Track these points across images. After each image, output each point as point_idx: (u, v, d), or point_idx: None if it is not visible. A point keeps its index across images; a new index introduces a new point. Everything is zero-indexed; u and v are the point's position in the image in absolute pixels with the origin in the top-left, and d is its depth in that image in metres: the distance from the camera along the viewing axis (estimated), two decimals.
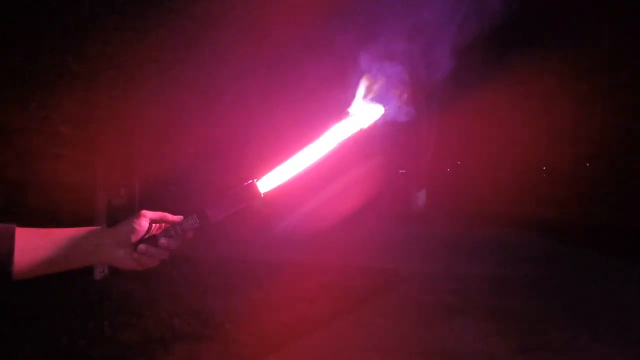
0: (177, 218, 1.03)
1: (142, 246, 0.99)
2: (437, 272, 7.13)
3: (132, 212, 1.06)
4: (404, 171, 16.63)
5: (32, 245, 0.94)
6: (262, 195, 1.03)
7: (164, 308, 4.99)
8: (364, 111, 1.10)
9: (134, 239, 0.99)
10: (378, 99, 1.11)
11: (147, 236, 1.00)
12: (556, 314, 5.33)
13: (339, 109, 1.12)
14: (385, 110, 1.11)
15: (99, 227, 1.02)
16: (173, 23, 5.46)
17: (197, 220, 1.01)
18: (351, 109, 1.10)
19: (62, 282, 5.42)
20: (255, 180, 1.02)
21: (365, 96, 1.11)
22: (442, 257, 8.29)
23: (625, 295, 6.21)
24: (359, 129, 1.10)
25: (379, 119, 1.12)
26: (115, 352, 4.03)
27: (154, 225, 1.02)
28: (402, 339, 4.49)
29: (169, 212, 1.05)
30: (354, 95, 1.13)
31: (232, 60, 5.67)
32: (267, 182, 1.05)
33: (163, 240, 1.00)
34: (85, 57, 5.30)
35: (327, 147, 1.08)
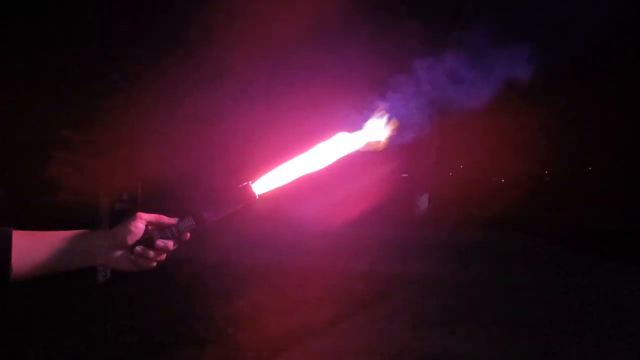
0: (173, 220, 1.04)
1: (138, 248, 1.00)
2: (440, 276, 7.11)
3: None
4: (406, 175, 16.61)
5: (29, 248, 0.95)
6: (257, 197, 1.04)
7: (166, 312, 5.00)
8: (367, 130, 1.11)
9: (131, 241, 0.99)
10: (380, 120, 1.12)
11: (143, 238, 1.01)
12: (559, 318, 5.31)
13: (341, 117, 1.13)
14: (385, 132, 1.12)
15: (96, 230, 1.03)
16: (177, 29, 5.50)
17: (193, 222, 1.02)
18: (355, 125, 1.11)
19: (65, 285, 5.44)
20: (250, 182, 1.03)
21: (370, 116, 1.12)
22: (445, 261, 8.26)
23: (629, 299, 6.17)
24: (358, 148, 1.11)
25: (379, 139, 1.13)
26: (117, 356, 4.03)
27: (150, 227, 1.03)
28: (403, 343, 4.48)
29: (170, 216, 1.06)
30: (357, 109, 1.14)
31: (233, 67, 5.70)
32: (263, 185, 1.05)
33: (159, 242, 1.00)
34: (88, 62, 5.34)
35: (326, 156, 1.09)
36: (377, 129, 1.12)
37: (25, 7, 5.06)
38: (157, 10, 5.43)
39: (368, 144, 1.11)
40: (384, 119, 1.12)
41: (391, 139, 1.14)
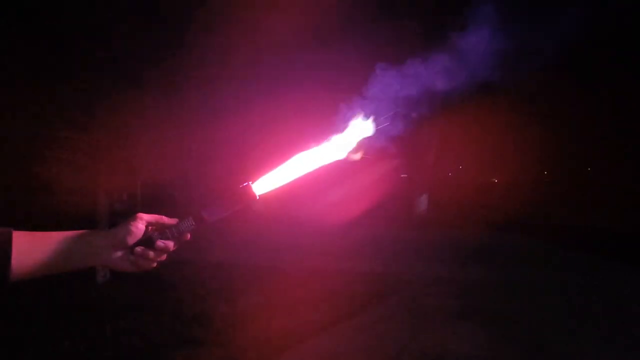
0: (173, 220, 1.04)
1: (138, 248, 1.00)
2: (439, 276, 7.10)
3: None
4: (405, 176, 16.61)
5: (30, 248, 0.94)
6: (258, 198, 1.03)
7: (166, 313, 4.99)
8: (361, 129, 1.11)
9: (131, 241, 0.99)
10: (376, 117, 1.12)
11: (143, 239, 1.01)
12: (559, 318, 5.31)
13: (339, 118, 1.13)
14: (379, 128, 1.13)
15: (96, 230, 1.02)
16: (177, 30, 5.50)
17: (193, 222, 1.02)
18: (348, 126, 1.11)
19: (64, 285, 5.43)
20: (250, 182, 1.03)
21: (364, 116, 1.12)
22: (444, 262, 8.26)
23: (629, 299, 6.17)
24: (354, 148, 1.11)
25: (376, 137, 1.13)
26: (116, 357, 4.02)
27: (150, 227, 1.03)
28: (403, 343, 4.48)
29: (170, 217, 1.06)
30: (353, 109, 1.14)
31: (232, 68, 5.71)
32: (263, 185, 1.05)
33: (159, 243, 1.00)
34: (88, 63, 5.33)
35: (324, 157, 1.09)
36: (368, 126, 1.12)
37: (25, 7, 5.05)
38: (157, 11, 5.43)
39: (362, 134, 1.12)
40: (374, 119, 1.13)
41: (385, 131, 1.14)
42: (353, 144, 1.11)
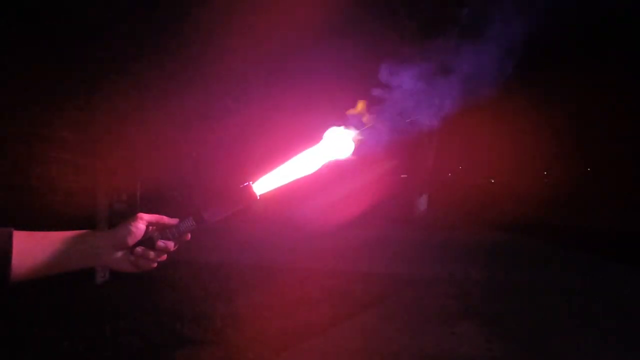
0: (174, 221, 1.03)
1: (139, 249, 0.99)
2: (439, 276, 7.10)
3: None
4: (405, 176, 16.61)
5: (30, 248, 0.94)
6: (258, 198, 1.03)
7: (165, 313, 4.99)
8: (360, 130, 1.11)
9: (131, 241, 0.99)
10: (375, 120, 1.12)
11: (144, 239, 1.00)
12: (558, 318, 5.31)
13: (337, 118, 1.13)
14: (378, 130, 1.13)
15: (96, 230, 1.02)
16: (176, 30, 5.50)
17: (194, 223, 1.02)
18: (347, 126, 1.11)
19: (63, 286, 5.43)
20: (251, 182, 1.03)
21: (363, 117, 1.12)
22: (444, 262, 8.26)
23: (629, 299, 6.17)
24: (354, 147, 1.11)
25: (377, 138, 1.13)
26: (116, 357, 4.02)
27: (150, 228, 1.03)
28: (403, 344, 4.48)
29: (170, 217, 1.05)
30: (353, 109, 1.14)
31: (232, 68, 5.71)
32: (264, 185, 1.05)
33: (160, 243, 1.00)
34: (87, 62, 5.33)
35: (325, 156, 1.09)
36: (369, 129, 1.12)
37: (24, 6, 5.05)
38: (157, 11, 5.43)
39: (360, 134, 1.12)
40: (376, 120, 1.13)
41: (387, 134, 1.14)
42: (353, 144, 1.11)
